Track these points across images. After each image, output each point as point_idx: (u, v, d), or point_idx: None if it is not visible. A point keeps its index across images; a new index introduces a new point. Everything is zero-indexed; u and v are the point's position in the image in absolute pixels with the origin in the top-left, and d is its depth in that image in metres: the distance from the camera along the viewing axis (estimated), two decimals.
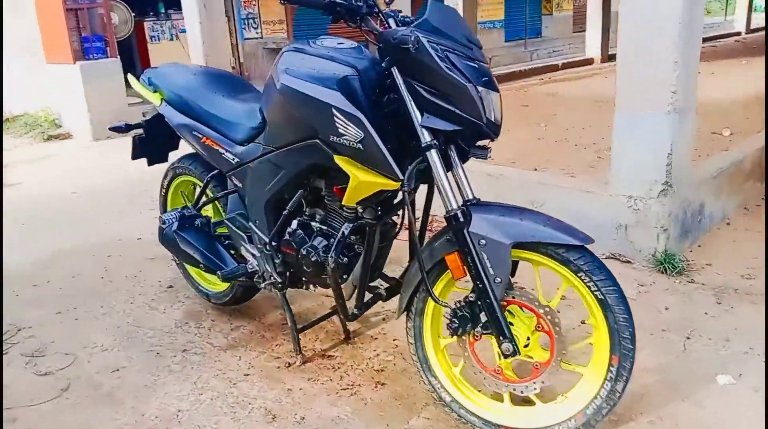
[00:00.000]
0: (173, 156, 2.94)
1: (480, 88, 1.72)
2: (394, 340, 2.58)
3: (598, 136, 4.96)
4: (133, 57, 9.31)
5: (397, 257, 2.56)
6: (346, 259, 2.11)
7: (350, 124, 1.76)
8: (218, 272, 2.36)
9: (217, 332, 2.75)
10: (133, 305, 3.05)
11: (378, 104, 1.86)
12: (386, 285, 2.30)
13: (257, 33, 10.39)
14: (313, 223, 2.18)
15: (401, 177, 1.77)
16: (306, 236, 2.18)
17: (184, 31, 8.62)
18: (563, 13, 15.88)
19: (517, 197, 3.25)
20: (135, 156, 2.85)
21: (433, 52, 1.70)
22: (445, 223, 1.82)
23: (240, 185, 2.34)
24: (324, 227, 2.15)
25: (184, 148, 2.77)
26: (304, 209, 2.22)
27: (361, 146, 1.77)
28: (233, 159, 2.30)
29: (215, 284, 2.83)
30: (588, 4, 10.52)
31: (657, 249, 3.04)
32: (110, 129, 2.70)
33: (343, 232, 2.01)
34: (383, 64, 1.81)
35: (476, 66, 1.75)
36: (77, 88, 6.86)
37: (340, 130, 1.79)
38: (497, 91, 1.78)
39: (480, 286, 1.77)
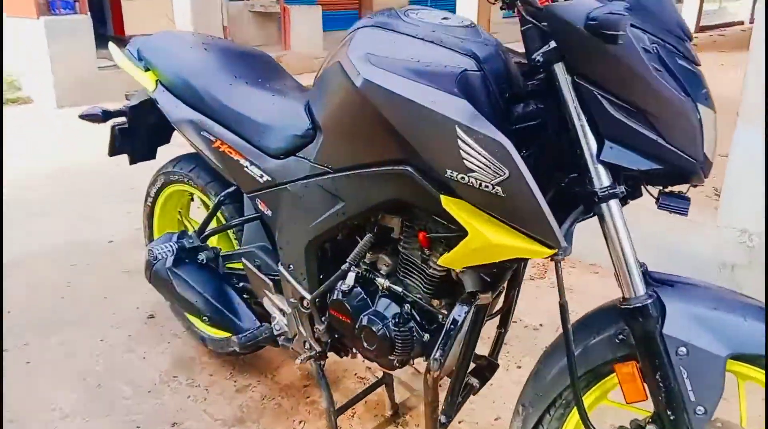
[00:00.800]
0: (163, 153, 2.22)
1: (700, 107, 1.07)
2: (459, 422, 1.92)
3: None
4: (105, 15, 8.37)
5: None
6: (426, 334, 1.44)
7: (486, 155, 1.08)
8: (233, 338, 1.67)
9: (217, 394, 2.06)
10: (104, 344, 2.34)
11: (507, 118, 1.19)
12: (472, 365, 1.63)
13: None
14: (377, 280, 1.50)
15: (563, 243, 1.10)
16: (367, 298, 1.50)
17: None
18: None
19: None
20: (114, 151, 2.13)
21: (638, 44, 1.02)
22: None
23: (268, 213, 1.64)
24: (396, 287, 1.47)
25: (179, 143, 2.06)
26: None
27: (500, 191, 1.09)
28: (261, 176, 1.60)
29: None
30: None
31: None
32: (81, 117, 1.97)
33: (454, 320, 1.32)
34: (536, 58, 1.12)
35: (694, 71, 1.09)
36: (41, 46, 6.00)
37: (466, 163, 1.10)
38: (715, 109, 1.12)
39: (671, 418, 1.13)
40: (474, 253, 1.19)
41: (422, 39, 1.23)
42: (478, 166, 1.09)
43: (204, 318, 1.77)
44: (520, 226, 1.11)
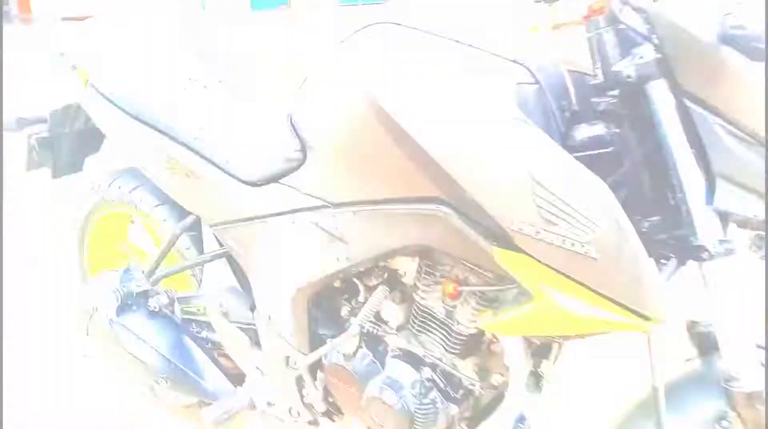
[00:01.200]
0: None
1: None
2: None
3: None
4: None
5: None
6: (453, 405, 1.17)
7: (574, 204, 0.80)
8: (204, 413, 1.33)
9: None
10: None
11: (567, 145, 0.93)
12: None
13: None
14: (387, 337, 1.20)
15: (663, 317, 0.84)
16: (376, 360, 1.21)
17: None
18: None
19: None
20: (32, 165, 1.73)
21: None
22: None
23: (240, 251, 1.31)
24: (412, 347, 1.18)
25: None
26: (359, 297, 1.24)
27: (591, 250, 0.81)
28: (230, 206, 1.26)
29: None
30: None
31: None
32: None
33: (521, 417, 1.03)
34: (625, 72, 0.84)
35: None
36: None
37: (543, 214, 0.82)
38: None
39: None
40: (539, 324, 0.91)
41: (457, 41, 0.93)
42: (561, 218, 0.81)
43: (160, 380, 1.42)
44: (613, 294, 0.84)
